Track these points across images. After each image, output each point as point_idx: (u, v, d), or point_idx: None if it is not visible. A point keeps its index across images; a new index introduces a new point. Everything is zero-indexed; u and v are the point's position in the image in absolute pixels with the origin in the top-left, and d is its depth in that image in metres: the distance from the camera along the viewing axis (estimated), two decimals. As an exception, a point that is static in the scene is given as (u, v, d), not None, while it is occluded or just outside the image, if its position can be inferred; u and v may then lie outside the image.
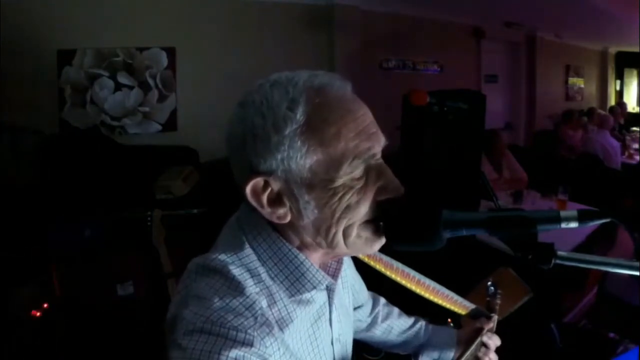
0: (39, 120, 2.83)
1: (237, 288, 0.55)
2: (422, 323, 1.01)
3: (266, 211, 0.57)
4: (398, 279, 0.86)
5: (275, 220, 0.58)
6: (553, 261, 0.54)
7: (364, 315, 0.95)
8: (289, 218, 0.58)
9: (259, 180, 0.56)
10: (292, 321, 0.60)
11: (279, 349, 0.55)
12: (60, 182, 2.56)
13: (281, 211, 0.57)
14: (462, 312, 0.99)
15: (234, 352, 0.49)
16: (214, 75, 3.51)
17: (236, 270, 0.57)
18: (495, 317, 0.97)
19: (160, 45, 3.39)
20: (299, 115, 0.54)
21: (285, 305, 0.59)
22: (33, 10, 2.90)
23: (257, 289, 0.57)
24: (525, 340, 1.89)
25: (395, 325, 0.99)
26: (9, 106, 2.66)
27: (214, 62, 3.57)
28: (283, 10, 3.87)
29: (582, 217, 0.53)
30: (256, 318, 0.53)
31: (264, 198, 0.57)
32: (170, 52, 3.43)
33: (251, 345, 0.50)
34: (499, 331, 1.01)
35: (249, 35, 3.69)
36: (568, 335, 1.89)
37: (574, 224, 0.53)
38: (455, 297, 0.96)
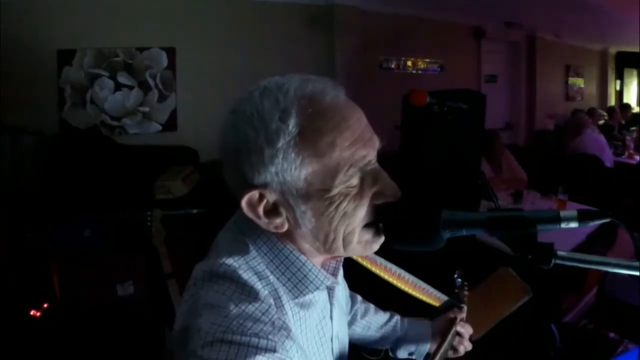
0: (39, 120, 2.83)
1: (250, 293, 0.54)
2: (397, 317, 1.03)
3: (263, 222, 0.57)
4: (381, 273, 0.89)
5: (273, 230, 0.58)
6: (553, 261, 0.54)
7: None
8: (286, 227, 0.58)
9: (254, 193, 0.55)
10: (297, 322, 0.60)
11: (297, 351, 0.55)
12: (60, 182, 2.56)
13: (278, 221, 0.57)
14: (437, 304, 1.02)
15: (258, 359, 0.48)
16: (214, 75, 3.52)
17: (245, 275, 0.56)
18: (465, 307, 1.00)
19: (160, 45, 3.40)
20: (292, 126, 0.53)
21: (291, 308, 0.59)
22: (33, 10, 2.90)
23: (266, 292, 0.57)
24: (525, 340, 1.89)
25: (373, 321, 1.00)
26: (9, 106, 2.66)
27: (214, 62, 3.57)
28: (283, 10, 3.88)
29: (582, 217, 0.52)
30: (273, 323, 0.53)
31: (260, 210, 0.56)
32: (170, 52, 3.43)
33: (274, 350, 0.50)
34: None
35: (249, 35, 3.70)
36: (568, 335, 1.89)
37: (574, 224, 0.53)
38: (432, 290, 1.00)
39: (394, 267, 0.91)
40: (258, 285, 0.56)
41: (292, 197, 0.55)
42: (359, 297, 1.02)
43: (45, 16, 2.95)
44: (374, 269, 0.87)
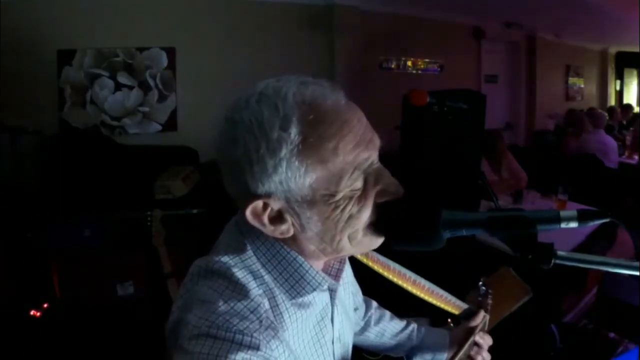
0: (39, 120, 2.83)
1: (241, 291, 0.55)
2: (414, 325, 1.01)
3: (268, 229, 0.57)
4: (395, 279, 0.87)
5: (279, 236, 0.58)
6: (553, 261, 0.53)
7: (358, 318, 0.96)
8: (291, 233, 0.57)
9: (258, 203, 0.55)
10: (294, 323, 0.60)
11: (284, 351, 0.55)
12: (60, 182, 2.56)
13: (283, 227, 0.57)
14: (455, 311, 0.99)
15: (240, 356, 0.49)
16: (214, 75, 3.51)
17: (239, 273, 0.56)
18: (487, 316, 0.97)
19: (160, 45, 3.39)
20: (294, 134, 0.52)
21: (287, 308, 0.59)
22: (33, 10, 2.90)
23: (260, 291, 0.57)
24: (525, 340, 1.89)
25: (387, 328, 0.99)
26: (9, 106, 2.66)
27: (214, 62, 3.57)
28: (283, 10, 3.88)
29: (582, 217, 0.52)
30: (261, 321, 0.53)
31: (265, 218, 0.56)
32: (170, 52, 3.43)
33: (257, 348, 0.51)
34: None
35: (249, 35, 3.70)
36: (568, 335, 1.90)
37: (573, 224, 0.53)
38: (449, 297, 0.96)
39: (408, 273, 0.88)
40: (251, 284, 0.56)
41: (297, 204, 0.55)
42: (375, 303, 1.00)
43: (45, 16, 2.95)
44: (386, 274, 0.85)
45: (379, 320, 0.99)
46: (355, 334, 0.96)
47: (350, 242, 0.58)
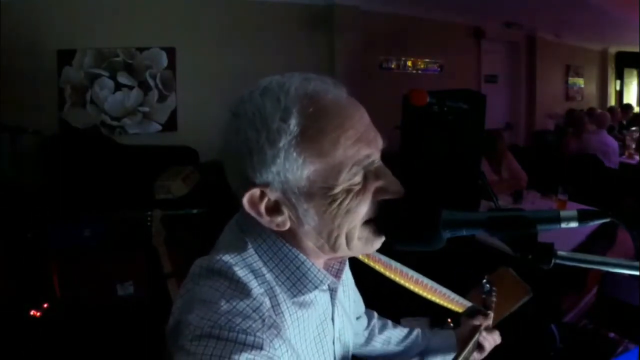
0: (39, 120, 2.83)
1: (242, 290, 0.55)
2: (417, 330, 1.01)
3: (265, 220, 0.57)
4: (397, 279, 0.86)
5: (275, 228, 0.58)
6: (553, 261, 0.53)
7: (361, 328, 0.95)
8: (288, 225, 0.57)
9: (255, 191, 0.56)
10: (295, 322, 0.60)
11: (287, 350, 0.55)
12: (60, 182, 2.56)
13: (280, 219, 0.57)
14: (459, 310, 0.99)
15: (244, 356, 0.48)
16: (214, 75, 3.52)
17: (241, 272, 0.56)
18: (492, 315, 0.97)
19: (160, 45, 3.40)
20: (293, 126, 0.53)
21: (288, 307, 0.59)
22: (33, 10, 2.90)
23: (262, 290, 0.57)
24: (525, 340, 1.89)
25: (393, 335, 0.98)
26: (9, 106, 2.66)
27: (214, 62, 3.57)
28: (283, 10, 3.88)
29: (582, 217, 0.52)
30: (264, 320, 0.53)
31: (262, 207, 0.56)
32: (170, 52, 3.44)
33: (261, 348, 0.50)
34: (499, 331, 1.01)
35: (249, 35, 3.70)
36: (568, 335, 1.89)
37: (574, 224, 0.53)
38: (453, 295, 0.96)
39: (410, 272, 0.88)
40: (253, 283, 0.56)
41: (294, 196, 0.55)
42: (376, 313, 1.00)
43: (45, 16, 2.95)
44: (388, 274, 0.85)
45: (383, 328, 0.98)
46: (362, 345, 0.96)
47: (347, 240, 0.58)
